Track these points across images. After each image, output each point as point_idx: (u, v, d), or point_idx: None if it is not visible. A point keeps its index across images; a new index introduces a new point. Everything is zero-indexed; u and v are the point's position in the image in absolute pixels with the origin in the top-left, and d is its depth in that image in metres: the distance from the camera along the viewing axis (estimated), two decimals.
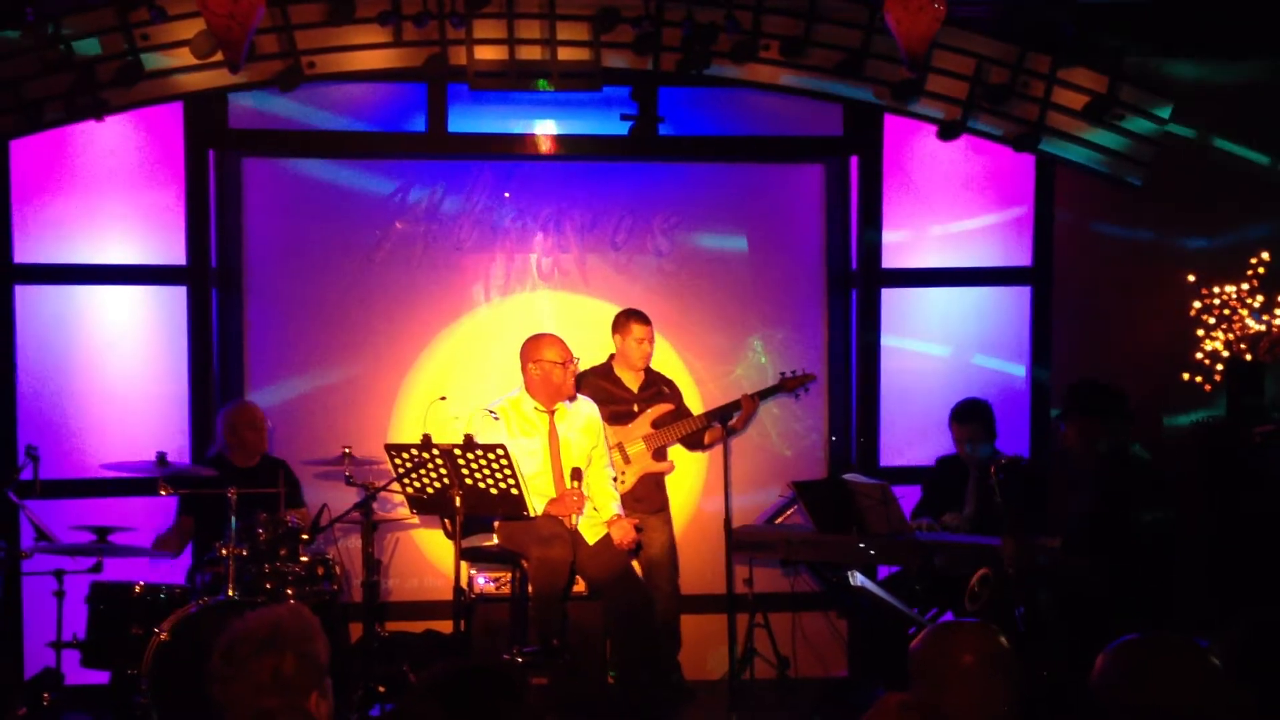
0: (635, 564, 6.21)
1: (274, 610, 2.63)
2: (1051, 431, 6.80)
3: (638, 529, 6.01)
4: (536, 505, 5.64)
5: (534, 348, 5.95)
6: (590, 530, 5.88)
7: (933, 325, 7.12)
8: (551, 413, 5.95)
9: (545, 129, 6.91)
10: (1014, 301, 7.15)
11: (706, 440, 6.70)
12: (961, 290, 7.13)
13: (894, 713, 2.62)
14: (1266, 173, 7.31)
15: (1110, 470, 5.31)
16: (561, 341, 5.98)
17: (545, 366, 5.89)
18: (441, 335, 7.05)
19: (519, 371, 5.96)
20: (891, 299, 7.05)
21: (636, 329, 6.45)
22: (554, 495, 5.82)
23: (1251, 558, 6.66)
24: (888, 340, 7.04)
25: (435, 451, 5.31)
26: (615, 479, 6.22)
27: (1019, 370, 7.12)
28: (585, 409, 6.07)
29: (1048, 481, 6.27)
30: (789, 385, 6.69)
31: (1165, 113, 6.85)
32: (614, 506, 6.02)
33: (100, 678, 5.67)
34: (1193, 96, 7.10)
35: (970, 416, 6.35)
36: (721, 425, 6.47)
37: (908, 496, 6.41)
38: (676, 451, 6.71)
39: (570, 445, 5.94)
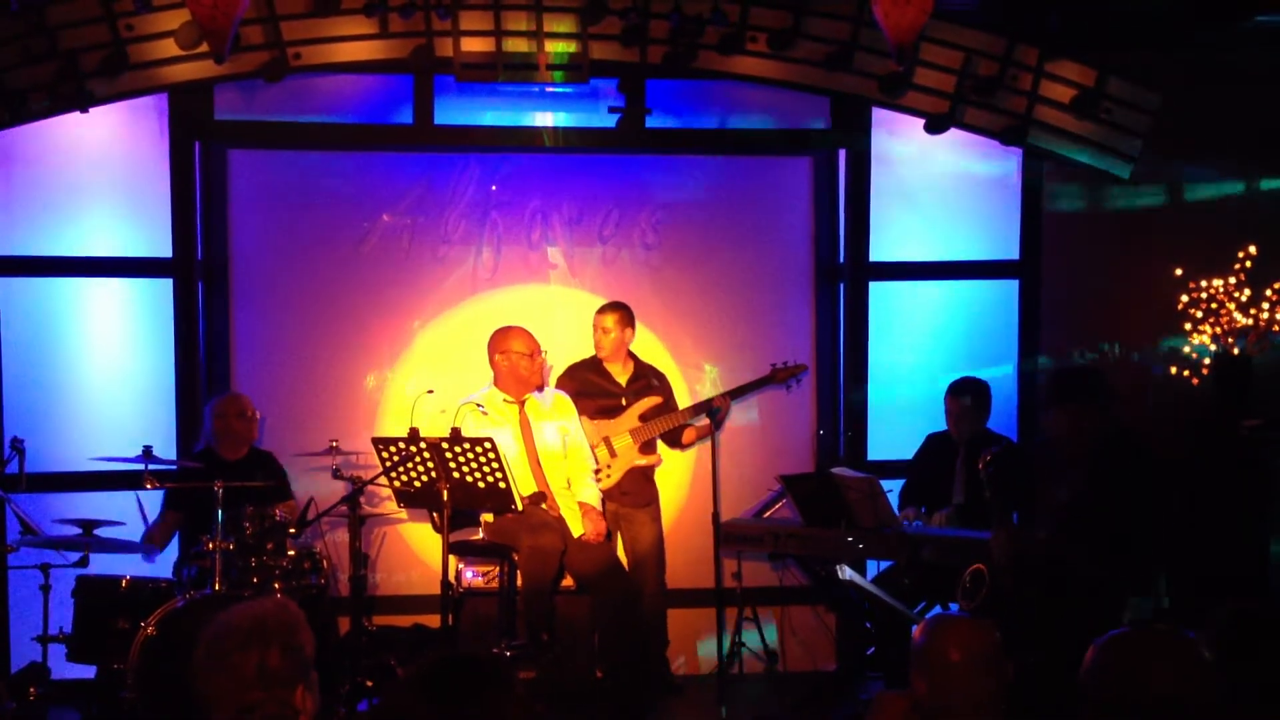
0: (622, 557, 6.22)
1: (259, 604, 2.61)
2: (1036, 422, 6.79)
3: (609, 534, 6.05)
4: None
5: (501, 339, 6.04)
6: (576, 522, 5.88)
7: (922, 318, 7.12)
8: (521, 403, 5.99)
9: (532, 121, 6.89)
10: (1002, 294, 7.15)
11: (685, 440, 6.68)
12: (951, 283, 7.12)
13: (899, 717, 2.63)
14: None
15: (1102, 453, 5.29)
16: (528, 333, 6.06)
17: (512, 358, 5.98)
18: (429, 328, 7.02)
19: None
20: (880, 292, 7.05)
21: (596, 318, 6.46)
22: (533, 484, 5.86)
23: (1236, 550, 6.68)
24: (875, 333, 7.03)
25: (422, 445, 5.30)
26: (598, 471, 6.21)
27: (1007, 368, 7.13)
28: (551, 393, 6.15)
29: (1036, 472, 6.24)
30: (780, 376, 6.66)
31: (1153, 106, 6.86)
32: (587, 494, 6.02)
33: (86, 672, 5.64)
34: None
35: (965, 391, 6.32)
36: (711, 419, 6.46)
37: (896, 490, 6.41)
38: (662, 446, 6.70)
39: (543, 432, 5.97)
